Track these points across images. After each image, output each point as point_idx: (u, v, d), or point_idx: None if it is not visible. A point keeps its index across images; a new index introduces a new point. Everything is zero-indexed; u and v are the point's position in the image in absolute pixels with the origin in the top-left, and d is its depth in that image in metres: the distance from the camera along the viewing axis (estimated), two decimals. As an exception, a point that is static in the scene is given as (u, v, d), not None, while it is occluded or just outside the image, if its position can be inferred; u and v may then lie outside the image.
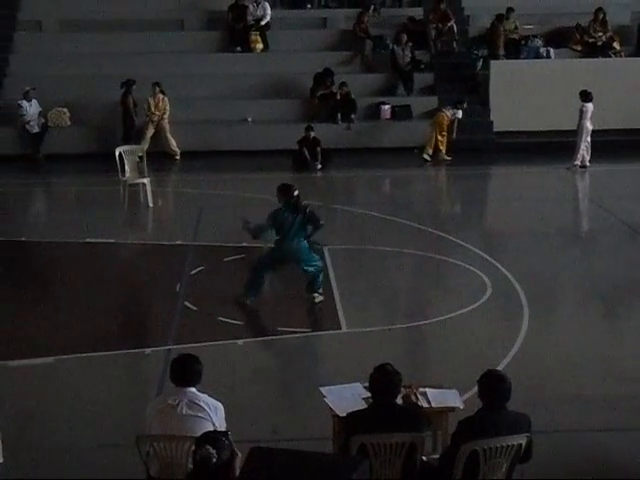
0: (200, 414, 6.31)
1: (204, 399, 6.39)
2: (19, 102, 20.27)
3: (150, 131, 20.28)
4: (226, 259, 13.14)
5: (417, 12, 23.38)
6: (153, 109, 20.25)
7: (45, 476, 7.53)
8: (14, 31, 22.77)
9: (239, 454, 5.38)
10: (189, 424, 6.25)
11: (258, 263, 11.39)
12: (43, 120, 20.54)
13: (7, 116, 20.72)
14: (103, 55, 21.87)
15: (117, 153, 16.56)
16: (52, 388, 9.21)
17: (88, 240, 14.13)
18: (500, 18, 22.28)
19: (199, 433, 5.95)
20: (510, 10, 22.42)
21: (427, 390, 7.19)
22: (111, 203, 16.43)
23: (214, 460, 5.19)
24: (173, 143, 20.39)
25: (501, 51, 22.23)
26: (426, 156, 19.87)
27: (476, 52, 22.41)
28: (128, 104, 20.36)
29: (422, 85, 22.04)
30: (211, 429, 6.10)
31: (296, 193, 11.09)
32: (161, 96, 20.29)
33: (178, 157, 20.36)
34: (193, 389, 6.42)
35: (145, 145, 19.41)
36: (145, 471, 6.34)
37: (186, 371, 6.44)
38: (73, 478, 7.47)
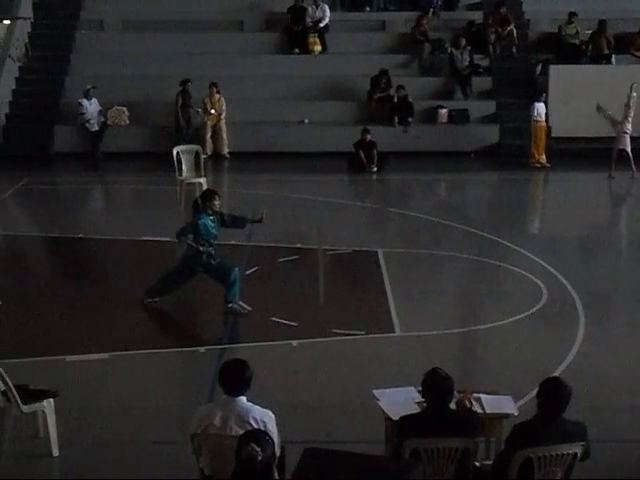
0: None
1: (253, 414, 6.22)
2: (79, 100, 20.55)
3: (209, 132, 20.43)
4: (280, 260, 13.17)
5: (477, 16, 23.25)
6: (209, 109, 20.40)
7: (98, 471, 7.61)
8: (76, 30, 23.07)
9: (277, 454, 5.37)
10: None
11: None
12: (103, 118, 20.80)
13: (68, 114, 21.02)
14: (163, 55, 22.09)
15: (174, 152, 16.71)
16: (107, 384, 9.30)
17: (144, 238, 14.26)
18: (603, 24, 21.98)
19: None
20: (573, 15, 22.19)
21: (481, 396, 7.13)
22: (168, 202, 16.57)
23: (259, 458, 5.19)
24: (226, 143, 20.59)
25: (605, 50, 22.03)
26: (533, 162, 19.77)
27: (536, 56, 22.24)
28: (176, 103, 20.53)
29: (480, 89, 21.94)
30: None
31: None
32: (218, 96, 20.44)
33: (228, 156, 20.60)
34: (243, 399, 6.29)
35: (208, 149, 19.72)
36: (199, 469, 6.37)
37: (235, 380, 6.29)
38: (126, 474, 7.54)
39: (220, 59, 22.14)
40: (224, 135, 20.60)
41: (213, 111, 20.38)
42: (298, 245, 13.78)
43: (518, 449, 6.01)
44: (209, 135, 20.50)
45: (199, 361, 10.01)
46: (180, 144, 17.63)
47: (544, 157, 19.82)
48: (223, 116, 20.54)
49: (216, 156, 20.54)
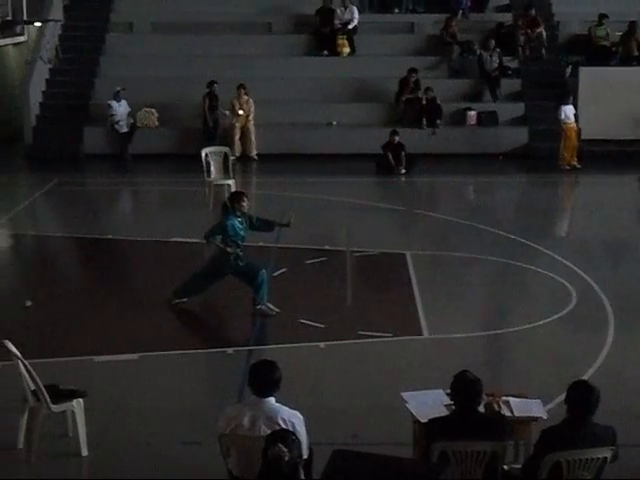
0: None
1: (282, 415, 6.23)
2: (109, 102, 20.65)
3: (237, 134, 20.46)
4: (308, 261, 13.18)
5: (506, 17, 23.18)
6: (238, 110, 20.43)
7: (126, 471, 7.65)
8: (106, 33, 23.20)
9: (306, 456, 5.37)
10: None
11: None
12: (132, 120, 20.88)
13: (97, 116, 21.14)
14: (192, 57, 22.16)
15: (203, 154, 16.76)
16: (135, 384, 9.34)
17: (173, 239, 14.31)
18: (633, 26, 21.84)
19: None
20: (603, 16, 22.06)
21: (510, 399, 7.11)
22: (196, 203, 16.62)
23: (286, 459, 5.19)
24: (254, 145, 20.56)
25: (635, 52, 21.89)
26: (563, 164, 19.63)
27: (565, 58, 22.14)
28: (203, 105, 20.60)
29: (509, 91, 21.85)
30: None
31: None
32: (246, 98, 20.47)
33: (256, 158, 20.59)
34: (271, 400, 6.31)
35: (236, 150, 19.69)
36: (227, 470, 6.38)
37: (264, 381, 6.31)
38: (153, 474, 7.57)
39: (249, 61, 22.17)
40: (252, 137, 20.62)
41: (241, 112, 20.41)
42: (326, 247, 13.79)
43: (547, 453, 5.98)
44: (237, 137, 20.53)
45: (227, 362, 10.04)
46: (208, 146, 17.67)
47: (575, 159, 19.70)
48: (251, 117, 20.57)
49: (244, 158, 20.58)
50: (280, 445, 5.21)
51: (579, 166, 19.62)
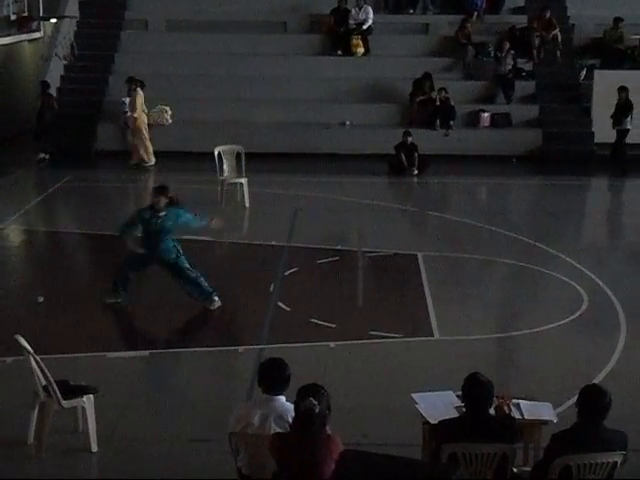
0: None
1: (292, 413, 6.13)
2: (123, 99, 20.66)
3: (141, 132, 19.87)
4: (320, 261, 13.18)
5: (521, 19, 23.14)
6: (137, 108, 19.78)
7: (136, 467, 7.66)
8: (121, 30, 23.25)
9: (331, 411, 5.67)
10: None
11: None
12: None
13: (111, 113, 21.17)
14: (206, 55, 22.19)
15: (216, 152, 16.76)
16: (146, 381, 9.39)
17: (185, 237, 14.28)
18: None
19: None
20: (619, 20, 22.01)
21: (520, 402, 7.10)
22: (209, 202, 16.61)
23: (317, 411, 5.43)
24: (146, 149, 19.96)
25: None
26: None
27: (580, 61, 22.08)
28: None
29: (523, 94, 21.81)
30: None
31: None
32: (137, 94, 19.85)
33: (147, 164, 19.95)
34: (282, 398, 6.33)
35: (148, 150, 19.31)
36: (236, 468, 6.39)
37: (274, 379, 6.33)
38: (163, 471, 7.58)
39: (263, 60, 22.20)
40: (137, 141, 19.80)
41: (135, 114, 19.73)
42: (338, 247, 13.80)
43: (557, 456, 5.96)
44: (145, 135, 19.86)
45: (238, 360, 10.06)
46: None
47: None
48: (136, 114, 19.72)
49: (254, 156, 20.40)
50: (311, 399, 5.47)
51: None
